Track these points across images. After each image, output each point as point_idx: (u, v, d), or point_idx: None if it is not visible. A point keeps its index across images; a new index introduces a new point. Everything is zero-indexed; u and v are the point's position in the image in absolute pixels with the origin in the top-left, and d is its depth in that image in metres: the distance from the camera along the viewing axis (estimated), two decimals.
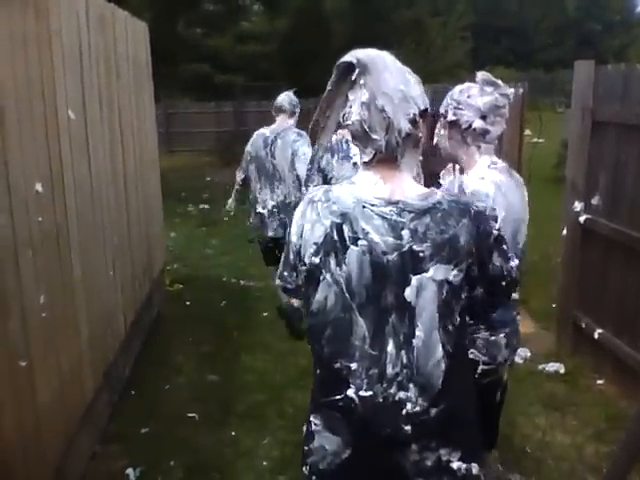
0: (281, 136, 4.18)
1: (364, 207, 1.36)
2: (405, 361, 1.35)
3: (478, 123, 1.99)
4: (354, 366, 1.36)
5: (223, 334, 4.68)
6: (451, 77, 24.62)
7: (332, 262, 1.37)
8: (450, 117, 2.06)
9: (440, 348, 1.35)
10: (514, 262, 1.49)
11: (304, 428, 1.51)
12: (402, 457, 1.38)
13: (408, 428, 1.36)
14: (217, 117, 18.36)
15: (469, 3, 33.60)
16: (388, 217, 1.34)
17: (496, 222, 1.46)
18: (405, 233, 1.34)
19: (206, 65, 22.16)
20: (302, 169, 3.83)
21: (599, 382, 3.87)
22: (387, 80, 1.35)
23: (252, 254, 6.84)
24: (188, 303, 5.35)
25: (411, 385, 1.35)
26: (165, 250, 6.04)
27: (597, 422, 3.39)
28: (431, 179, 2.25)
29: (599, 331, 3.90)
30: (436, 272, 1.34)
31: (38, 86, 2.56)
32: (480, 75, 2.02)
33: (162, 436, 3.27)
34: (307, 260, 1.40)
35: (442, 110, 2.11)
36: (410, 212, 1.35)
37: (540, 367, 4.10)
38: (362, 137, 1.40)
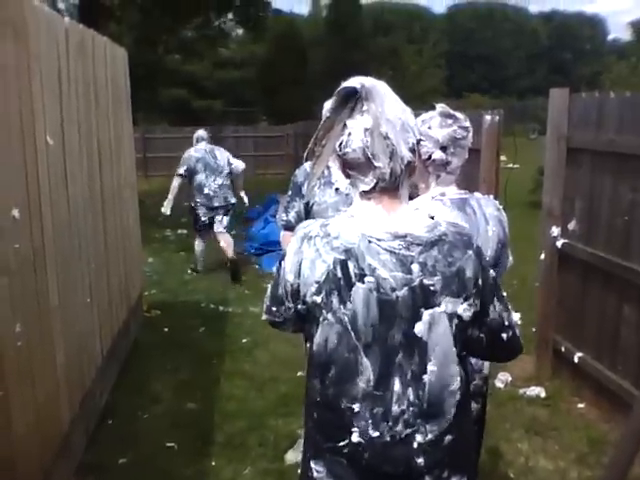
0: (215, 149, 7.31)
1: (370, 242, 1.31)
2: (412, 398, 1.31)
3: (438, 154, 2.01)
4: (357, 407, 1.32)
5: (202, 361, 4.61)
6: (426, 103, 25.03)
7: (335, 301, 1.31)
8: None
9: (458, 380, 1.34)
10: (515, 316, 1.45)
11: (299, 471, 1.46)
12: None
13: (421, 460, 1.32)
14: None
15: (444, 31, 34.29)
16: (396, 251, 1.30)
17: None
18: (415, 267, 1.30)
19: (184, 90, 22.29)
20: (238, 163, 7.20)
21: (580, 406, 3.88)
22: (389, 107, 1.33)
23: (229, 279, 6.85)
24: (166, 329, 5.27)
25: (419, 420, 1.32)
26: (143, 275, 5.97)
27: (579, 446, 3.39)
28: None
29: (579, 355, 3.93)
30: (447, 306, 1.31)
31: (16, 111, 2.53)
32: (439, 108, 2.04)
33: (140, 467, 3.19)
34: (308, 299, 1.34)
35: None
36: (418, 245, 1.31)
37: (521, 392, 4.10)
38: (363, 165, 1.36)
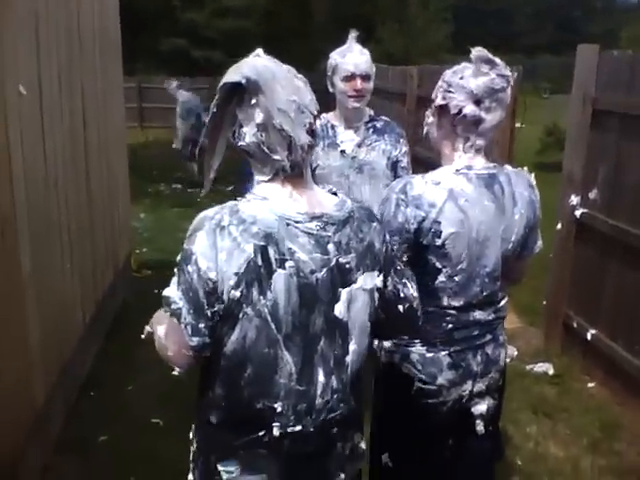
0: None
1: (288, 224, 1.23)
2: (336, 385, 1.30)
3: (469, 109, 1.67)
4: (278, 406, 1.25)
5: None
6: (432, 59, 24.34)
7: (255, 292, 1.20)
8: (439, 101, 1.75)
9: (366, 351, 1.37)
10: (411, 290, 1.45)
11: (189, 478, 1.39)
12: (329, 459, 1.36)
13: (335, 430, 1.33)
14: (193, 93, 17.80)
15: None
16: (314, 233, 1.25)
17: (436, 237, 1.57)
18: (331, 247, 1.26)
19: (183, 40, 21.58)
20: None
21: (590, 385, 3.68)
22: (279, 93, 1.23)
23: None
24: (156, 291, 4.99)
25: (342, 404, 1.32)
26: (132, 233, 5.70)
27: (591, 431, 3.18)
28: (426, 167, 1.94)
29: (592, 332, 3.69)
30: (364, 281, 1.31)
31: None
32: (475, 52, 1.69)
33: (123, 445, 2.98)
34: (225, 296, 1.20)
35: (433, 94, 1.79)
36: (333, 224, 1.27)
37: (528, 367, 3.89)
38: (261, 158, 1.27)
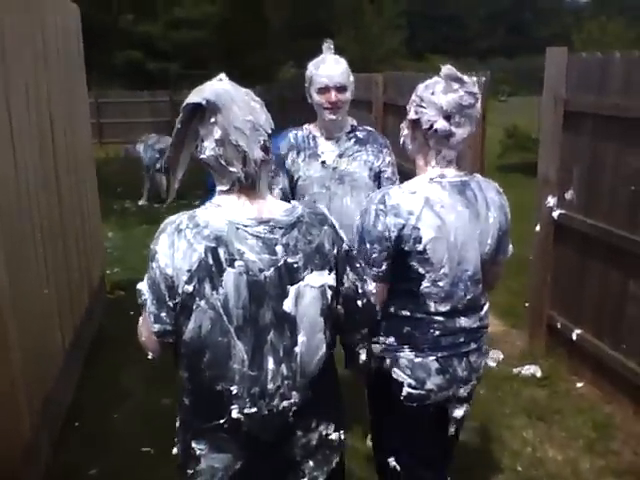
0: None
1: (237, 228, 1.39)
2: (286, 372, 1.43)
3: (440, 124, 1.77)
4: (234, 389, 1.41)
5: None
6: (389, 64, 24.58)
7: (207, 288, 1.37)
8: (412, 115, 1.86)
9: (324, 348, 1.47)
10: (370, 287, 1.58)
11: (174, 451, 1.55)
12: (291, 447, 1.48)
13: (292, 420, 1.46)
14: (152, 106, 17.56)
15: None
16: (262, 235, 1.40)
17: (417, 242, 1.67)
18: (279, 248, 1.41)
19: (139, 52, 21.28)
20: None
21: (578, 385, 3.70)
22: (236, 114, 1.39)
23: None
24: (132, 313, 4.87)
25: (294, 392, 1.44)
26: (104, 253, 5.54)
27: (586, 431, 3.19)
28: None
29: (577, 332, 3.72)
30: (312, 279, 1.43)
31: None
32: (445, 70, 1.78)
33: (113, 478, 2.86)
34: (180, 290, 1.39)
35: (407, 107, 1.90)
36: (280, 228, 1.42)
37: (515, 371, 3.90)
38: (219, 170, 1.43)
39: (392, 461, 1.97)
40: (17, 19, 2.95)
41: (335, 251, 1.49)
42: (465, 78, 1.78)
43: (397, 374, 1.87)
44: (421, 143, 1.85)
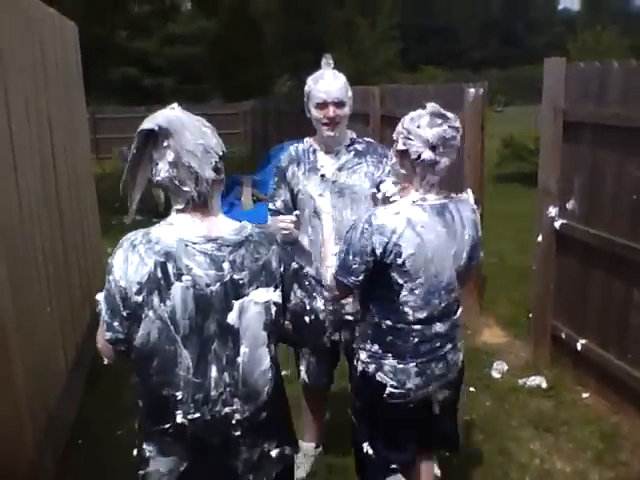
0: None
1: (187, 245, 1.49)
2: (228, 380, 1.53)
3: (427, 154, 1.99)
4: (179, 394, 1.50)
5: None
6: (383, 77, 24.69)
7: (155, 299, 1.47)
8: (400, 146, 2.07)
9: (268, 361, 1.57)
10: (317, 301, 1.73)
11: (134, 452, 1.63)
12: (234, 459, 1.58)
13: (238, 433, 1.55)
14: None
15: (396, 3, 33.85)
16: (209, 252, 1.50)
17: (397, 257, 1.86)
18: (225, 265, 1.51)
19: (134, 68, 21.36)
20: None
21: (584, 395, 3.68)
22: (188, 138, 1.49)
23: None
24: None
25: (235, 399, 1.54)
26: (104, 269, 5.52)
27: (593, 443, 3.18)
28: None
29: (582, 342, 3.71)
30: (256, 295, 1.54)
31: None
32: (429, 107, 2.02)
33: None
34: (131, 300, 1.48)
35: (394, 137, 2.11)
36: (228, 246, 1.52)
37: (520, 382, 3.88)
38: (174, 190, 1.54)
39: (366, 446, 2.22)
40: (15, 36, 2.95)
41: (282, 269, 1.60)
42: (448, 114, 2.00)
43: (381, 377, 2.11)
44: (409, 170, 2.06)
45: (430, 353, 2.10)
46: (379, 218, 2.01)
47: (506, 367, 4.09)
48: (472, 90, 4.82)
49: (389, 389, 2.09)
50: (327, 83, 2.60)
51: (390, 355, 2.09)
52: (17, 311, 2.55)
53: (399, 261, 1.98)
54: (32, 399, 2.68)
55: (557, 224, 3.88)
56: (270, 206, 2.84)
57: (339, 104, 2.60)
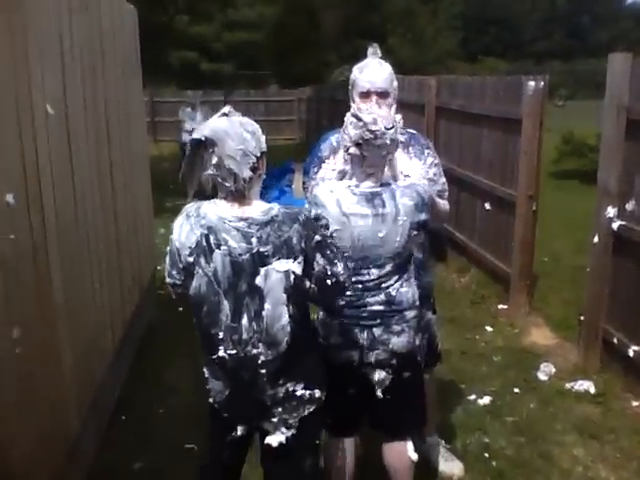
0: None
1: (224, 222, 1.85)
2: (256, 328, 1.86)
3: (352, 150, 2.20)
4: (221, 334, 1.88)
5: None
6: (442, 66, 24.27)
7: (202, 261, 1.85)
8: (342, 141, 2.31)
9: (286, 317, 1.86)
10: (338, 267, 1.92)
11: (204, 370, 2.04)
12: (261, 393, 1.93)
13: (263, 371, 1.89)
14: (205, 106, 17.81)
15: None
16: (241, 229, 1.84)
17: (325, 229, 1.95)
18: (254, 240, 1.83)
19: (193, 53, 21.64)
20: None
21: (634, 404, 3.54)
22: (230, 145, 1.81)
23: None
24: (181, 309, 4.92)
25: (261, 344, 1.87)
26: (155, 250, 5.63)
27: None
28: None
29: (634, 348, 3.57)
30: (278, 265, 1.83)
31: (9, 79, 2.15)
32: (352, 110, 2.21)
33: (157, 473, 2.90)
34: (184, 259, 1.88)
35: None
36: (256, 225, 1.84)
37: (567, 386, 3.77)
38: (218, 185, 1.88)
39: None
40: (75, 21, 3.01)
41: (303, 244, 1.85)
42: (365, 119, 2.14)
43: (316, 329, 2.31)
44: (347, 160, 2.31)
45: (354, 318, 2.27)
46: (318, 190, 2.32)
47: (553, 370, 3.98)
48: (532, 83, 4.67)
49: (319, 340, 2.28)
50: (372, 72, 2.55)
51: (322, 310, 2.35)
52: (67, 289, 2.62)
53: (327, 232, 2.10)
54: (78, 376, 2.76)
55: (615, 225, 3.73)
56: (307, 196, 2.81)
57: (383, 94, 2.54)
